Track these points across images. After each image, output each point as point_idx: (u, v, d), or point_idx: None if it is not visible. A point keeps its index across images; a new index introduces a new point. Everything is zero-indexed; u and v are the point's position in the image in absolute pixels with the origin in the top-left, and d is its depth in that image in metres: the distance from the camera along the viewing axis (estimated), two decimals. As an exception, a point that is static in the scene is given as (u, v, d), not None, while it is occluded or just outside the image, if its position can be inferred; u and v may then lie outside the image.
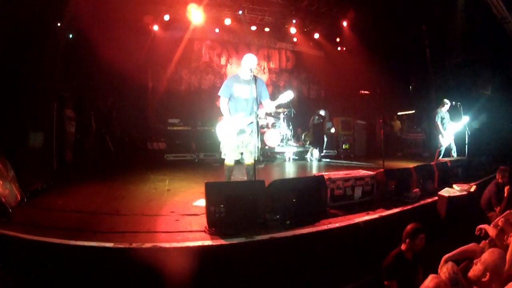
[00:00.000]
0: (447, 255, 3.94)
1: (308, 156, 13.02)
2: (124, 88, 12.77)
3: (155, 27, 14.10)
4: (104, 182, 8.31)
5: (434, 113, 10.78)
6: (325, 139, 12.15)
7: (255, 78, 5.96)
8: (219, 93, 6.18)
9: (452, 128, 10.54)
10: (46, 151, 8.11)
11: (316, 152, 12.66)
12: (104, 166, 10.54)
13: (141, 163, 11.23)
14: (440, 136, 10.55)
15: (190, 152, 12.01)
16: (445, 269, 3.51)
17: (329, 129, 12.77)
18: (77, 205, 5.93)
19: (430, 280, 3.24)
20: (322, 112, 11.75)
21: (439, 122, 10.52)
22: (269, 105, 6.04)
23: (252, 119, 5.82)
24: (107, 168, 10.24)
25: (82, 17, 10.46)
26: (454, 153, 10.58)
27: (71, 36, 11.26)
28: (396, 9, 13.72)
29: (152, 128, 13.80)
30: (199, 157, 11.98)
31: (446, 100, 10.73)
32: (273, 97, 6.14)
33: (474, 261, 3.45)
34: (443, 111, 10.64)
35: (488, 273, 3.14)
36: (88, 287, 3.81)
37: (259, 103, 5.98)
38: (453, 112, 10.69)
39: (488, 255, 3.26)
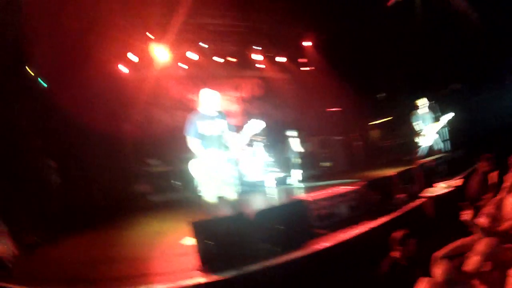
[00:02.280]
0: (437, 253, 3.96)
1: (289, 181, 13.11)
2: (100, 135, 12.69)
3: (122, 68, 14.11)
4: (93, 230, 8.36)
5: (411, 116, 11.07)
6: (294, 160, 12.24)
7: (219, 111, 6.13)
8: (186, 132, 6.11)
9: (432, 127, 10.76)
10: (34, 203, 8.13)
11: (296, 175, 12.71)
12: (93, 215, 10.36)
13: (126, 207, 11.24)
14: (418, 136, 10.81)
15: (174, 192, 11.95)
16: (439, 270, 3.42)
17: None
18: (70, 255, 6.08)
19: (424, 284, 3.25)
20: (288, 133, 11.89)
21: (415, 123, 10.83)
22: (235, 138, 6.13)
23: (225, 153, 5.94)
24: (95, 217, 10.07)
25: (52, 65, 10.49)
26: (437, 151, 10.73)
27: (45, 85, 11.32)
28: (353, 21, 14.04)
29: (133, 171, 13.72)
30: (183, 196, 11.92)
31: (418, 101, 11.01)
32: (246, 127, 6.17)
33: (467, 254, 3.44)
34: (419, 112, 10.92)
35: (489, 263, 3.14)
36: None
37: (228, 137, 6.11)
38: (431, 112, 10.99)
39: (484, 246, 3.27)
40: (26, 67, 9.99)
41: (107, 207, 11.30)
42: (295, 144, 11.40)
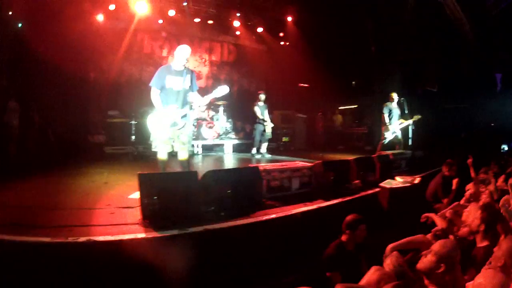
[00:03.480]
0: (392, 245, 3.91)
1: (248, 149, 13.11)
2: (66, 80, 12.37)
3: (99, 17, 13.68)
4: (44, 176, 8.12)
5: (382, 106, 11.20)
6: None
7: (188, 70, 6.05)
8: (150, 84, 6.10)
9: (399, 123, 10.96)
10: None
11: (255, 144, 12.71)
12: (46, 160, 10.24)
13: (81, 157, 11.02)
14: (384, 128, 10.96)
15: (130, 145, 11.87)
16: (389, 261, 3.40)
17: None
18: (16, 199, 5.89)
19: (372, 272, 3.18)
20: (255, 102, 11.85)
21: (386, 115, 10.93)
22: (198, 99, 6.09)
23: (185, 111, 5.89)
24: (48, 162, 9.97)
25: (31, 5, 10.14)
26: (400, 146, 10.95)
27: (20, 25, 10.95)
28: (342, 6, 14.00)
29: (92, 121, 13.45)
30: (138, 150, 11.82)
31: (394, 94, 11.15)
32: (212, 90, 6.17)
33: (423, 252, 3.32)
34: (392, 104, 11.05)
35: (443, 264, 3.02)
36: (25, 283, 3.77)
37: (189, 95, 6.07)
38: (401, 108, 11.17)
39: (440, 246, 3.14)
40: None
41: (61, 154, 11.08)
42: (258, 113, 11.39)
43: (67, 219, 4.89)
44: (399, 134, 11.04)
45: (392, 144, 11.03)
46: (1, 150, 9.17)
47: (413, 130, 10.92)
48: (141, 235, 4.40)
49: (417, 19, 13.48)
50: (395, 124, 10.93)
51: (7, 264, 3.79)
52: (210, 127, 12.99)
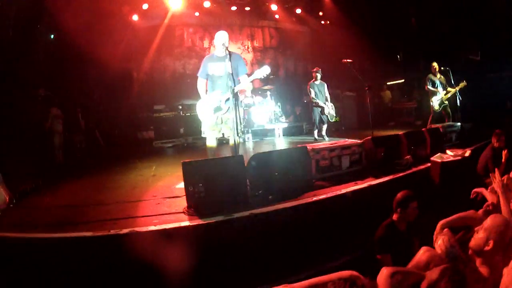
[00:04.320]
0: (443, 221, 3.56)
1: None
2: (109, 81, 12.63)
3: (135, 17, 13.84)
4: (92, 176, 8.21)
5: (425, 79, 10.59)
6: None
7: (229, 54, 5.83)
8: (198, 74, 6.22)
9: (444, 93, 10.33)
10: (34, 151, 8.10)
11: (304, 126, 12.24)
12: (95, 162, 10.43)
13: (130, 154, 11.08)
14: (431, 101, 10.41)
15: (178, 137, 11.88)
16: (440, 241, 3.19)
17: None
18: (63, 201, 5.93)
19: (422, 253, 2.99)
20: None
21: (430, 87, 10.39)
22: (246, 81, 5.87)
23: (228, 96, 5.70)
24: (98, 163, 10.10)
25: (61, 16, 10.32)
26: (449, 119, 10.36)
27: (52, 36, 11.19)
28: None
29: (140, 118, 13.72)
30: (188, 142, 11.86)
31: (434, 64, 10.51)
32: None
33: (475, 229, 3.05)
34: (434, 75, 10.47)
35: (491, 241, 2.77)
36: (71, 277, 3.73)
37: (236, 79, 5.88)
38: (445, 78, 10.51)
39: (490, 221, 2.89)
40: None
41: (110, 153, 11.29)
42: (312, 94, 10.67)
43: (111, 213, 4.86)
44: (444, 105, 10.39)
45: (442, 117, 10.46)
46: (48, 157, 9.36)
47: (460, 101, 10.21)
48: (185, 223, 4.27)
49: None
50: (441, 94, 10.31)
51: (52, 262, 3.78)
52: (259, 113, 12.77)
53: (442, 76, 10.53)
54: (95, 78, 12.36)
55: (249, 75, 5.89)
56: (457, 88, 10.13)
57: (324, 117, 10.67)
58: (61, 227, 4.35)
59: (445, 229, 3.34)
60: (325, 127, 10.93)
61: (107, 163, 9.94)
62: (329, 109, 10.62)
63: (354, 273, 2.43)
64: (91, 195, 6.14)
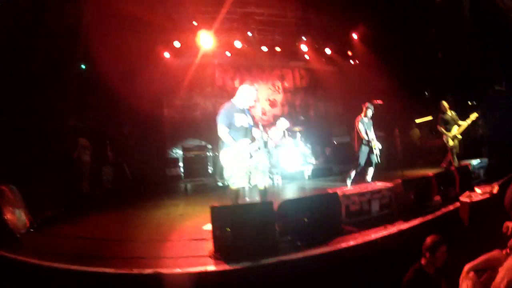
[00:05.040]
0: (469, 265, 3.54)
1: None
2: (140, 117, 12.85)
3: (166, 55, 14.19)
4: (118, 210, 8.26)
5: (438, 119, 10.43)
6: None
7: (249, 108, 6.16)
8: (219, 121, 6.02)
9: (456, 129, 10.18)
10: (59, 179, 8.20)
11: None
12: (122, 195, 10.52)
13: (157, 190, 11.15)
14: (446, 140, 10.26)
15: (207, 176, 11.88)
16: (465, 285, 3.18)
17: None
18: (88, 232, 5.94)
19: None
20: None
21: (442, 128, 10.27)
22: (255, 134, 6.08)
23: (255, 145, 5.81)
24: (124, 197, 10.20)
25: (94, 47, 10.64)
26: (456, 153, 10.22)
27: (83, 67, 11.52)
28: (403, 17, 13.53)
29: (169, 155, 13.84)
30: (216, 181, 11.81)
31: (443, 102, 10.46)
32: (289, 116, 6.08)
33: (499, 269, 3.03)
34: (444, 114, 10.35)
35: (505, 280, 2.74)
36: None
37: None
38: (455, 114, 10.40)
39: (509, 260, 2.90)
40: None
41: (138, 189, 11.36)
42: (363, 132, 9.45)
43: (136, 251, 4.84)
44: (459, 139, 10.26)
45: (459, 153, 10.27)
46: (74, 187, 9.46)
47: (486, 135, 9.95)
48: (211, 267, 4.18)
49: (475, 19, 12.69)
50: (454, 131, 10.17)
51: None
52: (289, 154, 12.69)
53: (453, 113, 10.37)
54: (126, 111, 12.60)
55: (277, 117, 5.99)
56: (469, 121, 9.95)
57: (373, 158, 9.48)
58: (82, 259, 4.31)
59: (471, 273, 3.24)
60: (372, 170, 9.66)
61: (133, 198, 9.98)
62: (377, 151, 9.54)
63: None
64: (114, 230, 6.17)
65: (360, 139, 9.53)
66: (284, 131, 11.51)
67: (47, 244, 5.03)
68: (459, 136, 10.21)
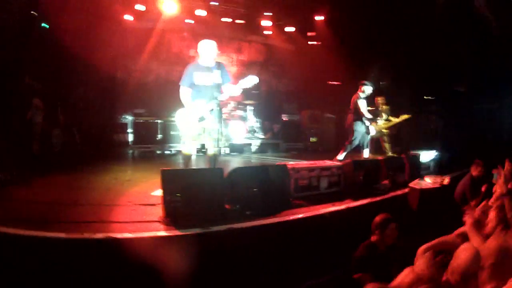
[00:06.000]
0: (424, 246, 3.61)
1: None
2: (92, 79, 12.48)
3: (128, 17, 13.70)
4: (67, 173, 8.01)
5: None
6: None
7: (218, 63, 5.92)
8: (180, 83, 5.94)
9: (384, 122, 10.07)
10: (10, 140, 7.93)
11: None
12: (70, 158, 10.25)
13: (105, 155, 10.92)
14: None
15: (156, 144, 11.77)
16: (421, 263, 3.23)
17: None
18: (36, 196, 5.76)
19: (405, 274, 3.07)
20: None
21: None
22: (230, 89, 5.87)
23: (212, 106, 5.65)
24: (72, 160, 9.92)
25: (56, 6, 10.18)
26: (387, 151, 10.22)
27: (44, 25, 11.05)
28: (372, 5, 13.61)
29: (119, 120, 13.54)
30: (164, 149, 11.73)
31: (378, 99, 10.32)
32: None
33: (454, 253, 3.11)
34: (377, 107, 10.26)
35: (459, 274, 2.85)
36: (40, 277, 3.62)
37: (220, 89, 5.86)
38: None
39: (460, 252, 2.99)
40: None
41: (86, 153, 11.13)
42: (363, 108, 9.26)
43: (85, 215, 4.76)
44: (384, 133, 10.20)
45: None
46: (25, 148, 9.15)
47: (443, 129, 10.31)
48: (162, 233, 4.21)
49: (443, 17, 12.99)
50: (380, 123, 9.98)
51: (21, 259, 3.68)
52: (238, 127, 12.73)
53: (385, 107, 10.35)
54: (80, 73, 12.18)
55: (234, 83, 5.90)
56: (398, 120, 9.90)
57: (367, 138, 9.42)
58: (32, 224, 4.18)
59: (427, 253, 3.37)
60: (367, 151, 9.52)
61: (81, 162, 9.67)
62: (374, 129, 9.47)
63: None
64: (65, 194, 5.98)
65: (359, 116, 9.27)
66: (235, 104, 11.55)
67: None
68: (385, 131, 10.19)
